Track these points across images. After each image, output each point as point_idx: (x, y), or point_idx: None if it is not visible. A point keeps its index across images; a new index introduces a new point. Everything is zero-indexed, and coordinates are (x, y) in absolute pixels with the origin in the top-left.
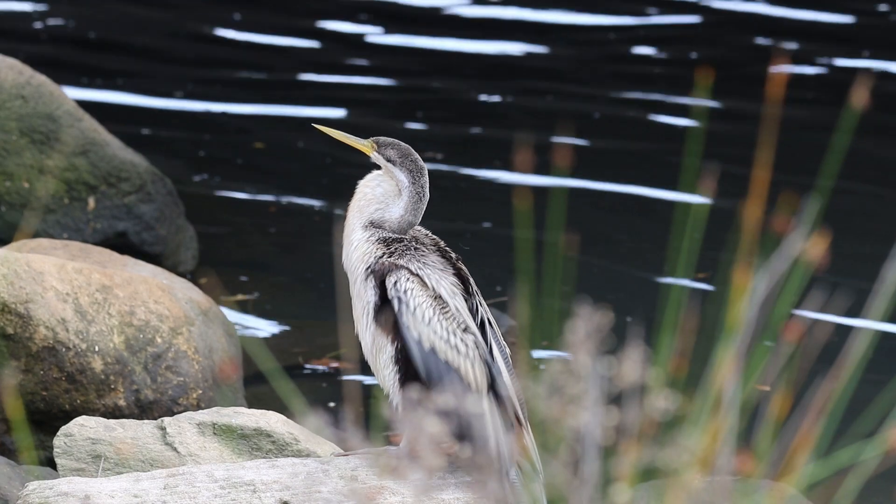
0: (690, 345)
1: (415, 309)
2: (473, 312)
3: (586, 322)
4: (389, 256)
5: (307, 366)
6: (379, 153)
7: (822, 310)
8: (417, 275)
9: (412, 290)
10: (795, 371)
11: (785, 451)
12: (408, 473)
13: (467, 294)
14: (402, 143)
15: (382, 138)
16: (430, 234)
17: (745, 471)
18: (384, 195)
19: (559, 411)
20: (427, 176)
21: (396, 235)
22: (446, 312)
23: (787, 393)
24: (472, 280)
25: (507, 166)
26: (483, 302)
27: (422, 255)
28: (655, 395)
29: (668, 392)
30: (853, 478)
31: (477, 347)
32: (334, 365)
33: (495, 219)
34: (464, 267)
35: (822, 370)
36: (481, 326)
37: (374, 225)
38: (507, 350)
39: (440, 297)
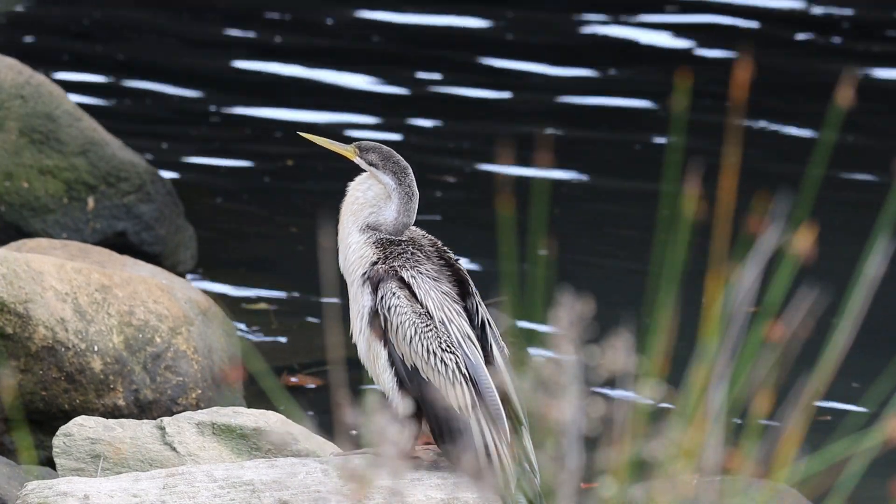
0: (673, 342)
1: (397, 328)
2: (472, 313)
3: (569, 311)
4: (384, 262)
5: (293, 378)
6: (361, 158)
7: (807, 305)
8: (408, 284)
9: (396, 306)
10: (780, 367)
11: (772, 447)
12: (403, 473)
13: (466, 295)
14: (384, 147)
15: (364, 143)
16: (427, 235)
17: (732, 467)
18: (376, 198)
19: (545, 404)
20: (412, 175)
21: (393, 237)
22: (429, 330)
23: (771, 389)
24: (471, 280)
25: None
26: (482, 302)
27: (417, 261)
28: (641, 385)
29: (654, 383)
30: (849, 470)
31: (458, 367)
32: (295, 379)
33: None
34: (462, 267)
35: (808, 366)
36: (481, 327)
37: (370, 227)
38: (507, 350)
39: (426, 311)
